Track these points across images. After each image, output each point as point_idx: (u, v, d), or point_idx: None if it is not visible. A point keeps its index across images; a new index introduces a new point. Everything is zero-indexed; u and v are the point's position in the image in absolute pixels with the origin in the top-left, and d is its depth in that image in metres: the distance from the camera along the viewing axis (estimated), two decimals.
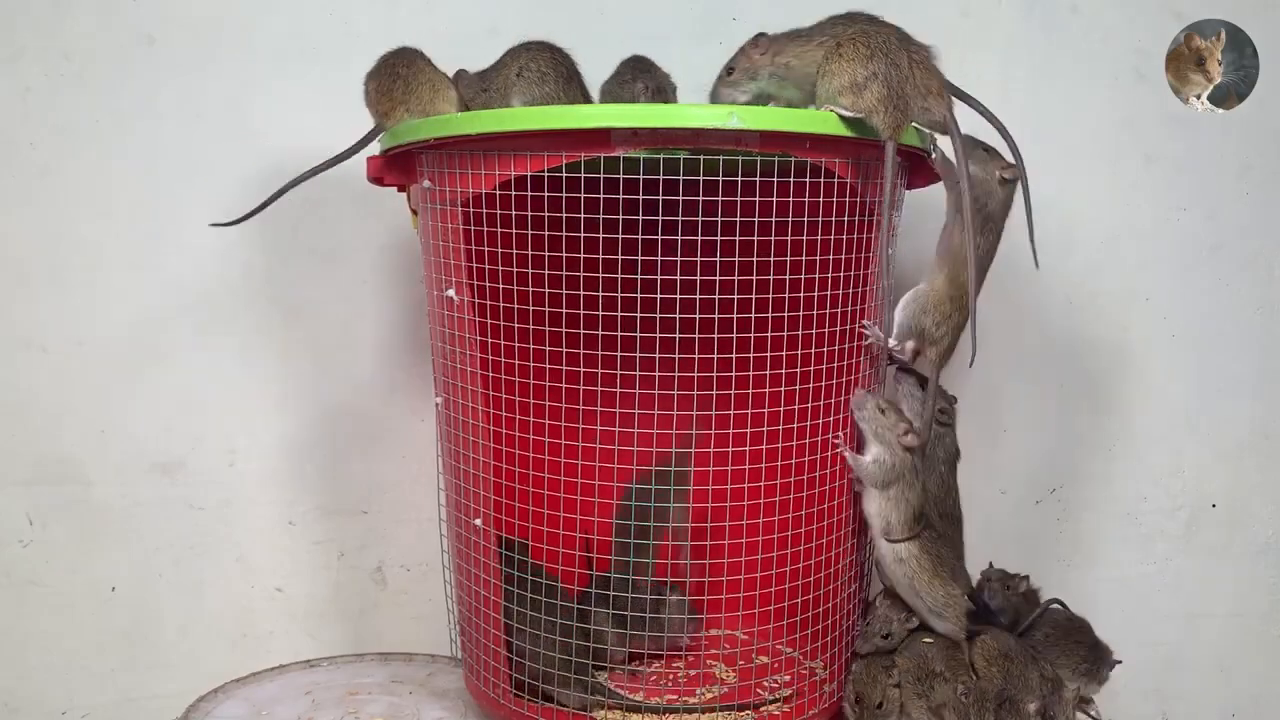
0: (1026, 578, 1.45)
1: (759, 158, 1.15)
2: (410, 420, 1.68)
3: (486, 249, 1.20)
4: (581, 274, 1.15)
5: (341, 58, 1.53)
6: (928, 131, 1.25)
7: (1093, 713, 1.35)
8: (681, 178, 1.12)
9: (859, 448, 1.26)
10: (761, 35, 1.26)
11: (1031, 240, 1.28)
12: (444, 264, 1.25)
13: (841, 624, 1.30)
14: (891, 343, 1.29)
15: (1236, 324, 1.82)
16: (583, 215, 1.13)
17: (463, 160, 1.18)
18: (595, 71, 1.43)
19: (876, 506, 1.26)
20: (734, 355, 1.17)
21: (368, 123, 1.33)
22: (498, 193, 1.17)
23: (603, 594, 1.28)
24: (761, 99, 1.26)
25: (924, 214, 1.40)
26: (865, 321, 1.25)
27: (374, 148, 1.34)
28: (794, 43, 1.24)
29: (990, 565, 1.47)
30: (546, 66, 1.32)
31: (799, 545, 1.24)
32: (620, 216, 1.13)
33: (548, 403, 1.22)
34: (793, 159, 1.13)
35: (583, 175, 1.14)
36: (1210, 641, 1.88)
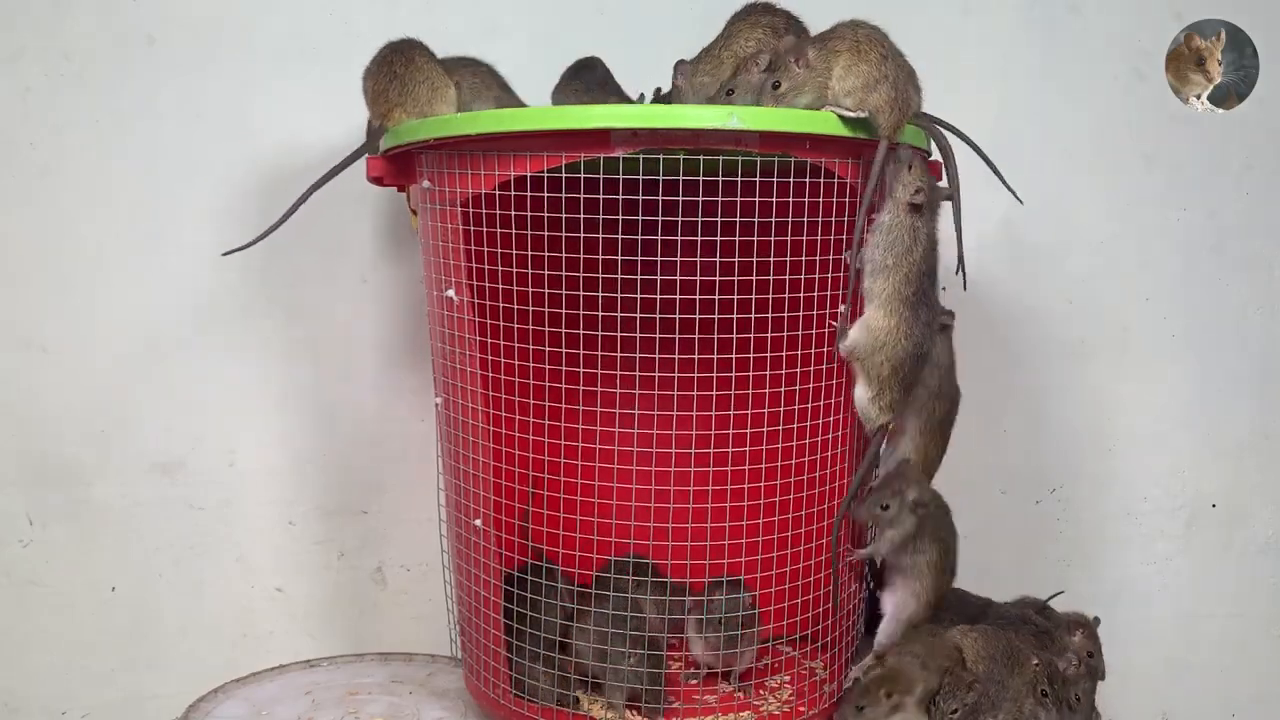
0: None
1: (759, 158, 1.15)
2: (410, 420, 1.68)
3: (486, 249, 1.20)
4: (581, 274, 1.15)
5: (341, 58, 1.53)
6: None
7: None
8: (681, 178, 1.12)
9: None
10: (681, 62, 1.32)
11: (961, 263, 1.24)
12: (444, 264, 1.25)
13: (842, 624, 1.30)
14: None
15: (1236, 324, 1.83)
16: (583, 215, 1.13)
17: (463, 160, 1.18)
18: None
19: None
20: (734, 355, 1.17)
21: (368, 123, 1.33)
22: (498, 193, 1.17)
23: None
24: None
25: None
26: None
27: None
28: (703, 62, 1.30)
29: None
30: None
31: (799, 545, 1.24)
32: (620, 216, 1.13)
33: (548, 403, 1.22)
34: (793, 159, 1.13)
35: (582, 175, 1.14)
36: (1210, 641, 1.88)
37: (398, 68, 1.29)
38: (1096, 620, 1.36)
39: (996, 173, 1.27)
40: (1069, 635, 1.34)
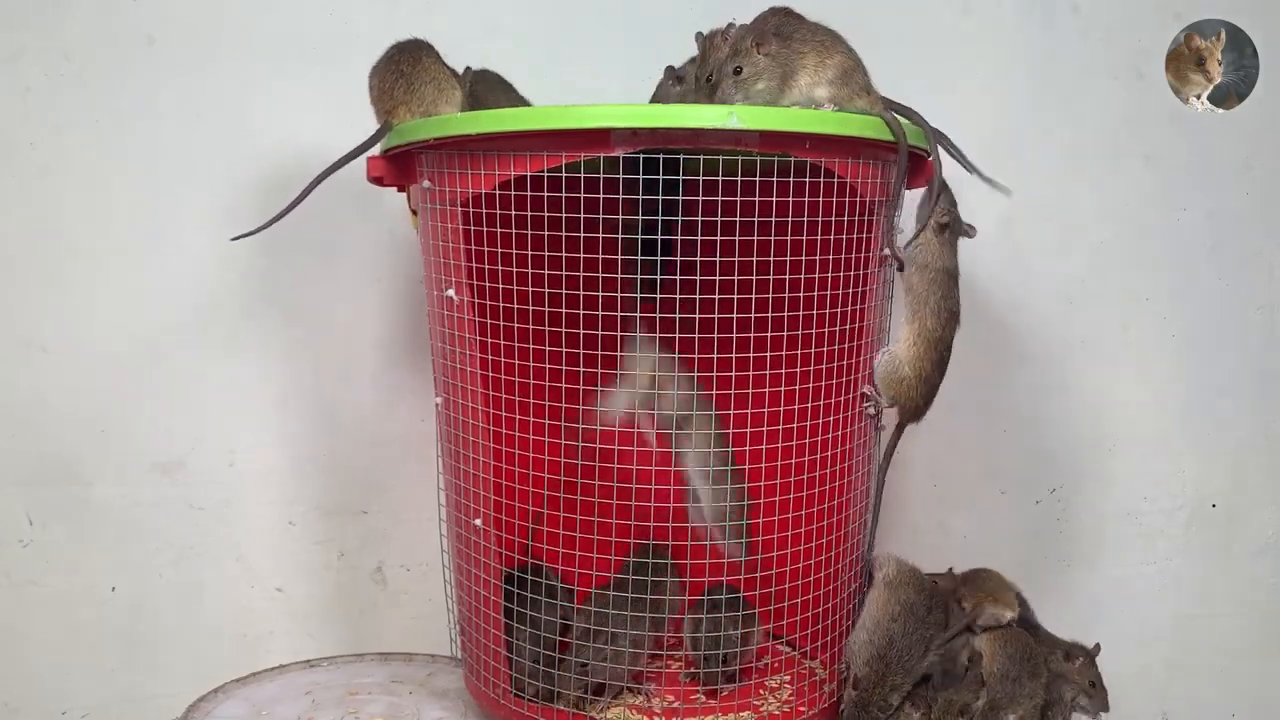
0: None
1: (759, 158, 1.15)
2: (410, 420, 1.68)
3: (486, 249, 1.20)
4: (581, 274, 1.15)
5: (341, 58, 1.53)
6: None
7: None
8: (681, 178, 1.12)
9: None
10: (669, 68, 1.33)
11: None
12: (444, 264, 1.25)
13: (842, 624, 1.31)
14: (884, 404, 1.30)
15: (1236, 324, 1.83)
16: (583, 215, 1.13)
17: (463, 160, 1.18)
18: (592, 71, 1.43)
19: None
20: (734, 355, 1.17)
21: (368, 122, 1.33)
22: (498, 193, 1.17)
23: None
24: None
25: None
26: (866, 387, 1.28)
27: (373, 147, 1.34)
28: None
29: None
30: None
31: (799, 545, 1.24)
32: (620, 216, 1.13)
33: (548, 403, 1.23)
34: (792, 159, 1.13)
35: (583, 175, 1.14)
36: (1210, 641, 1.88)
37: (404, 66, 1.29)
38: (1097, 648, 1.35)
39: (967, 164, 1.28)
40: (1067, 662, 1.33)
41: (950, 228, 1.26)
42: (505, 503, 1.24)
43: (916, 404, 1.29)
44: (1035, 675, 1.26)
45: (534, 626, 1.25)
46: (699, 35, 1.31)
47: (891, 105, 1.23)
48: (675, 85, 1.33)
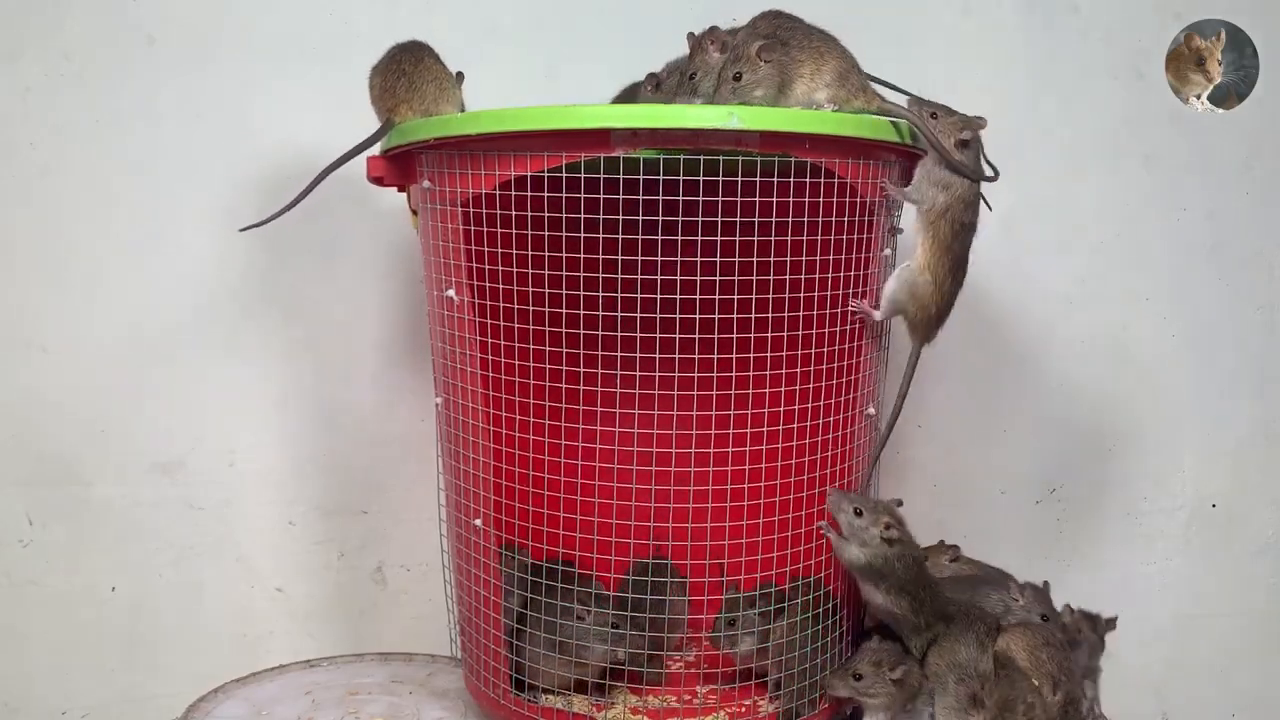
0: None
1: (759, 158, 1.15)
2: (410, 420, 1.69)
3: (486, 249, 1.20)
4: (581, 274, 1.15)
5: (341, 58, 1.54)
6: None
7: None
8: (681, 178, 1.12)
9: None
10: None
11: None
12: (444, 264, 1.25)
13: (843, 624, 1.30)
14: (878, 316, 1.27)
15: (1236, 324, 1.83)
16: (583, 215, 1.13)
17: (463, 160, 1.18)
18: (592, 71, 1.43)
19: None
20: (734, 355, 1.17)
21: (368, 122, 1.33)
22: (498, 193, 1.17)
23: None
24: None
25: None
26: (854, 303, 1.25)
27: (374, 147, 1.34)
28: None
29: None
30: None
31: (799, 545, 1.24)
32: (620, 216, 1.13)
33: (548, 403, 1.23)
34: (793, 159, 1.13)
35: (583, 175, 1.14)
36: (1210, 641, 1.88)
37: (406, 65, 1.29)
38: (1111, 623, 1.35)
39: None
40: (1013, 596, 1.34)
41: (969, 144, 1.22)
42: (505, 503, 1.24)
43: (931, 313, 1.26)
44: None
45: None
46: (690, 36, 1.31)
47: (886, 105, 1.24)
48: (653, 91, 1.34)
